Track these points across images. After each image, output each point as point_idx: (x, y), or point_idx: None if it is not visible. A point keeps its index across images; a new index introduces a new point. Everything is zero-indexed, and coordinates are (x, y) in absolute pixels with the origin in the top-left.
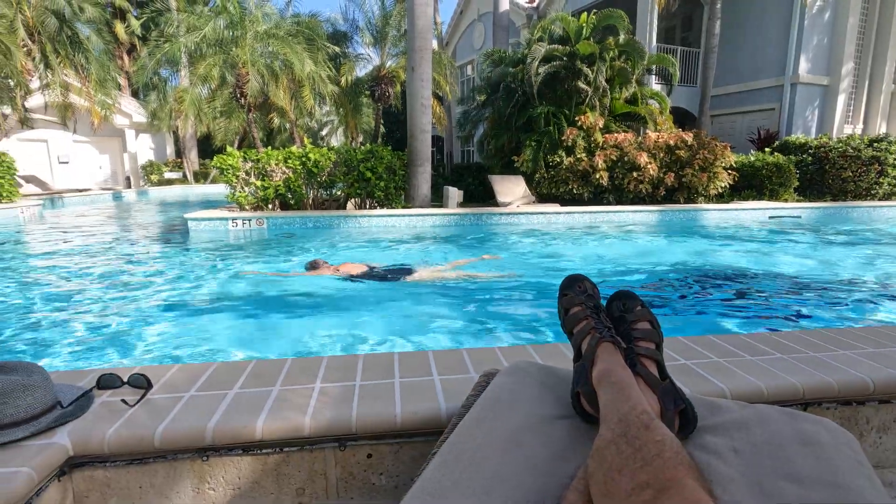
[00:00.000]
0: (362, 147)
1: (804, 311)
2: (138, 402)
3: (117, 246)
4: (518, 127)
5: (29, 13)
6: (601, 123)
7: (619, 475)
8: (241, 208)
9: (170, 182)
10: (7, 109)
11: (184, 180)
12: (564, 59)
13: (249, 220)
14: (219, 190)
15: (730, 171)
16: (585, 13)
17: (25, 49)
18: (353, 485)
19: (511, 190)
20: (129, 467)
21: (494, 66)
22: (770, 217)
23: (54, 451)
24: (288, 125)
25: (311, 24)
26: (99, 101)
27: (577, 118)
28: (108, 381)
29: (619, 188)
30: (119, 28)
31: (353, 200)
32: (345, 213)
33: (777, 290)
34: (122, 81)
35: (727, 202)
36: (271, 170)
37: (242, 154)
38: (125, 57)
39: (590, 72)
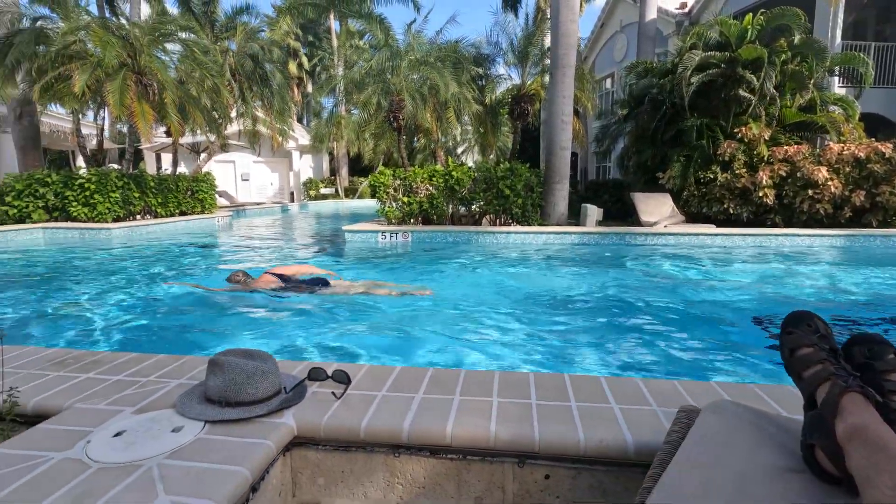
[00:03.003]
0: (502, 165)
1: None
2: (342, 395)
3: (290, 249)
4: (664, 141)
5: (232, 58)
6: (767, 135)
7: None
8: (389, 222)
9: (324, 197)
10: (212, 137)
11: (336, 195)
12: (723, 66)
13: (396, 234)
14: (365, 204)
15: None
16: (750, 14)
17: (229, 87)
18: (528, 502)
19: (657, 208)
20: (335, 452)
21: (639, 77)
22: None
23: (285, 430)
24: (432, 145)
25: (456, 48)
26: (279, 128)
27: (736, 130)
28: (316, 374)
29: (789, 208)
30: (291, 65)
31: (487, 217)
32: (483, 228)
33: None
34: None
35: None
36: (417, 187)
37: (392, 172)
38: (295, 88)
39: (754, 78)
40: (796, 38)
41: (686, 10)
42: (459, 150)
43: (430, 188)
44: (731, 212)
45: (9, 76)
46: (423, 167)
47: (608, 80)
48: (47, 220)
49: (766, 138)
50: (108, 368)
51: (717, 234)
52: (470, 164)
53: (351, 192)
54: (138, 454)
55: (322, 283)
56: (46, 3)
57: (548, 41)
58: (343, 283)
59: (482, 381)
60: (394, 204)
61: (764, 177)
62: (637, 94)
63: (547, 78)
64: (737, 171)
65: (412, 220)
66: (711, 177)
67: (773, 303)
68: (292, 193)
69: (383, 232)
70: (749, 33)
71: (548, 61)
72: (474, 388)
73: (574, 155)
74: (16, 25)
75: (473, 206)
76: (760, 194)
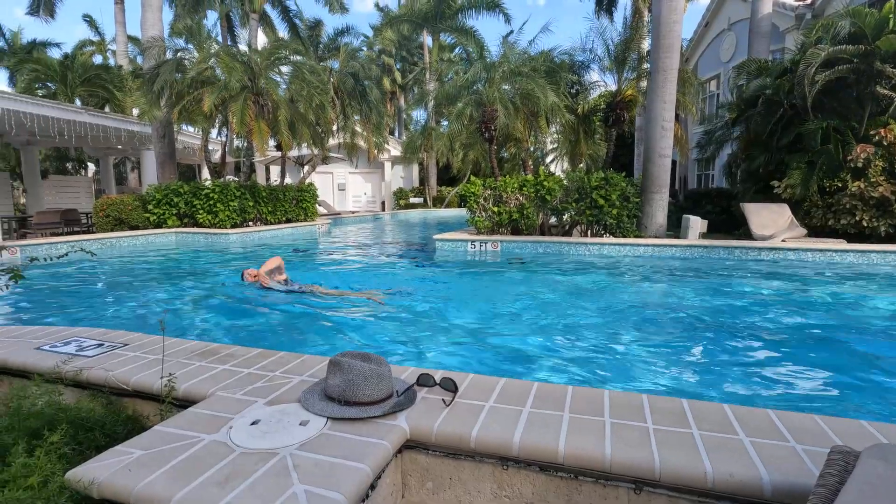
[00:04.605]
0: (595, 174)
1: None
2: (451, 403)
3: (383, 256)
4: (781, 146)
5: (334, 77)
6: None
7: None
8: (478, 231)
9: (413, 206)
10: (316, 150)
11: (424, 205)
12: (855, 60)
13: (485, 244)
14: (451, 213)
15: None
16: (892, 2)
17: (332, 103)
18: None
19: (772, 220)
20: (444, 458)
21: (750, 78)
22: None
23: (399, 433)
24: (522, 154)
25: (549, 57)
26: (375, 141)
27: (872, 132)
28: (425, 380)
29: None
30: (385, 80)
31: (578, 227)
32: (575, 240)
33: None
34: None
35: None
36: (507, 197)
37: (483, 182)
38: (388, 103)
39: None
40: None
41: (808, 1)
42: (548, 160)
43: (521, 198)
44: (865, 225)
45: (155, 101)
46: (511, 176)
47: (713, 83)
48: (178, 226)
49: None
50: (240, 361)
51: (848, 251)
52: (558, 173)
53: (438, 202)
54: (273, 443)
55: (304, 284)
56: (183, 34)
57: (646, 44)
58: (326, 290)
59: (591, 399)
60: (483, 214)
61: None
62: (748, 96)
63: (644, 83)
64: (873, 179)
65: (501, 230)
66: (839, 185)
67: None
68: (383, 202)
69: (473, 241)
70: (890, 23)
71: (646, 65)
72: (583, 405)
73: (672, 162)
74: (161, 57)
75: (564, 217)
76: None
